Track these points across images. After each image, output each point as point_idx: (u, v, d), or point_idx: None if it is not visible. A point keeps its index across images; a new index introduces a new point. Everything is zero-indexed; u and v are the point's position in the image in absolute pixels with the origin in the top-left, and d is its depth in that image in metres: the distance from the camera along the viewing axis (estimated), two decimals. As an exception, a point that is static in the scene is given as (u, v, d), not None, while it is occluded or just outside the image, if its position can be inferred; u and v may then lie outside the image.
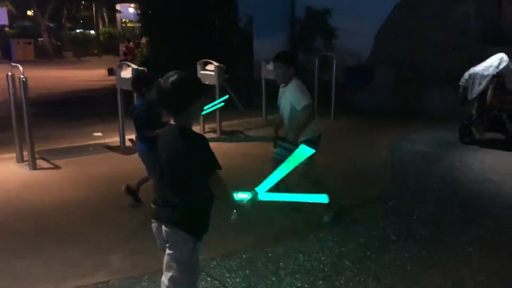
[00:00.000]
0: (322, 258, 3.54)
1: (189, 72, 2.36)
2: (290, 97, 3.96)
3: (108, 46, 34.04)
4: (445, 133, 7.48)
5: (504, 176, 5.46)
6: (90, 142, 7.25)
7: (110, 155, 6.52)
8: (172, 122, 2.29)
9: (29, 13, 36.15)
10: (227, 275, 3.28)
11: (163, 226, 2.34)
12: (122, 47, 25.61)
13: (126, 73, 6.64)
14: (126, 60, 21.01)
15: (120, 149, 6.75)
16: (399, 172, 5.73)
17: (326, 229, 4.04)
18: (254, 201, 2.41)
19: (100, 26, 35.93)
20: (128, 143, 6.87)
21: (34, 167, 5.78)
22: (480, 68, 6.53)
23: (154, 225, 2.41)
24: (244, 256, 3.52)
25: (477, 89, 6.47)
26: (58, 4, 32.00)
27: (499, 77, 6.36)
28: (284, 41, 11.93)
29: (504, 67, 6.32)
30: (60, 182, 5.34)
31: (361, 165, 6.00)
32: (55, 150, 6.67)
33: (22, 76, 5.68)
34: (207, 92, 2.54)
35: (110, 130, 7.69)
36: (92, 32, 36.33)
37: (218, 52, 11.60)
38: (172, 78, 2.23)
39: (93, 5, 34.40)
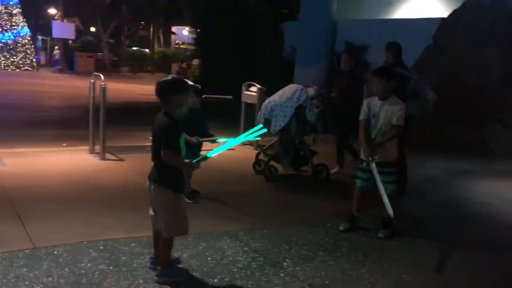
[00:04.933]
0: (326, 239, 4.56)
1: (174, 76, 3.55)
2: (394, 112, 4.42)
3: (161, 65, 36.30)
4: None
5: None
6: (148, 144, 8.53)
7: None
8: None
9: (92, 29, 39.16)
10: (252, 241, 4.35)
11: (151, 184, 3.42)
12: (175, 67, 27.51)
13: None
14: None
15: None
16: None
17: (333, 220, 5.05)
18: (203, 159, 3.50)
19: (155, 46, 38.41)
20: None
21: (103, 158, 7.09)
22: (281, 100, 6.38)
23: (147, 183, 3.48)
24: (265, 230, 4.59)
25: (282, 122, 6.31)
26: (120, 23, 34.65)
27: (300, 109, 6.33)
28: (323, 71, 13.06)
29: (305, 99, 6.33)
30: (124, 170, 6.62)
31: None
32: (119, 147, 7.99)
33: (102, 83, 7.08)
34: (188, 91, 3.58)
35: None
36: (147, 50, 38.82)
37: (263, 77, 12.86)
38: (161, 79, 3.39)
39: (151, 26, 36.97)
